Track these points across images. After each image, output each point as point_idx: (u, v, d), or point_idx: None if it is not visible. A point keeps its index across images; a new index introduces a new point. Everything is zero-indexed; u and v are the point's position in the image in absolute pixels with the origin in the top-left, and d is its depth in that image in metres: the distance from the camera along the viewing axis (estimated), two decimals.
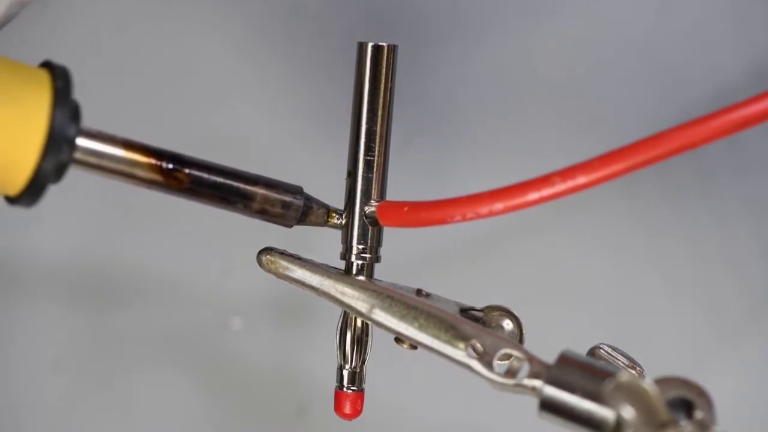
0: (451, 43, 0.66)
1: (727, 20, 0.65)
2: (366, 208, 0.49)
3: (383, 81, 0.48)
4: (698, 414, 0.41)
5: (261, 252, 0.48)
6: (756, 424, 0.67)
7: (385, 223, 0.48)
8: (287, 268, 0.48)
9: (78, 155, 0.43)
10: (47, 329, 0.67)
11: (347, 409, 0.50)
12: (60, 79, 0.42)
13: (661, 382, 0.42)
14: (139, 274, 0.67)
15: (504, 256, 0.67)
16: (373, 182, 0.49)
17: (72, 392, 0.68)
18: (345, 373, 0.50)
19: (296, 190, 0.48)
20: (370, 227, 0.49)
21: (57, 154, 0.42)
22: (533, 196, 0.42)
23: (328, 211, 0.49)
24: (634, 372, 0.47)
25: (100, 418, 0.68)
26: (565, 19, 0.65)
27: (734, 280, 0.67)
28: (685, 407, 0.42)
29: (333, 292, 0.48)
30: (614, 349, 0.48)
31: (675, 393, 0.42)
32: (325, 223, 0.49)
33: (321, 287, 0.48)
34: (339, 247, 0.49)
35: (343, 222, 0.49)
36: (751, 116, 0.41)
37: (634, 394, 0.40)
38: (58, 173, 0.43)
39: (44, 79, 0.42)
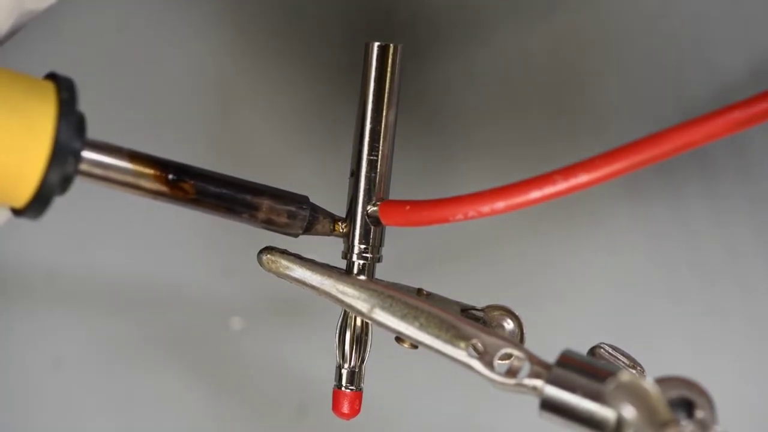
0: (451, 42, 0.66)
1: (727, 20, 0.65)
2: (368, 207, 0.49)
3: (388, 81, 0.48)
4: (699, 413, 0.41)
5: (262, 251, 0.48)
6: (756, 423, 0.67)
7: (387, 222, 0.48)
8: (288, 268, 0.48)
9: (83, 167, 0.43)
10: (47, 329, 0.67)
11: (345, 409, 0.50)
12: (65, 90, 0.42)
13: (662, 381, 0.42)
14: (140, 273, 0.67)
15: (505, 255, 0.67)
16: (376, 182, 0.49)
17: (72, 392, 0.67)
18: (344, 372, 0.50)
19: (302, 200, 0.48)
20: (372, 227, 0.49)
21: (62, 167, 0.42)
22: (535, 194, 0.42)
23: (334, 220, 0.49)
24: (634, 372, 0.47)
25: (100, 419, 0.68)
26: (565, 18, 0.65)
27: (734, 280, 0.66)
28: (686, 407, 0.42)
29: (333, 291, 0.48)
30: (615, 348, 0.48)
31: (676, 393, 0.42)
32: (330, 232, 0.49)
33: (321, 287, 0.48)
34: (340, 247, 0.49)
35: (347, 229, 0.49)
36: (753, 115, 0.41)
37: (634, 394, 0.40)
38: (64, 185, 0.43)
39: (49, 90, 0.42)
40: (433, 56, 0.66)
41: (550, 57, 0.66)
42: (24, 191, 0.42)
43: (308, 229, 0.48)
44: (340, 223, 0.49)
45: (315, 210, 0.48)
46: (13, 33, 0.46)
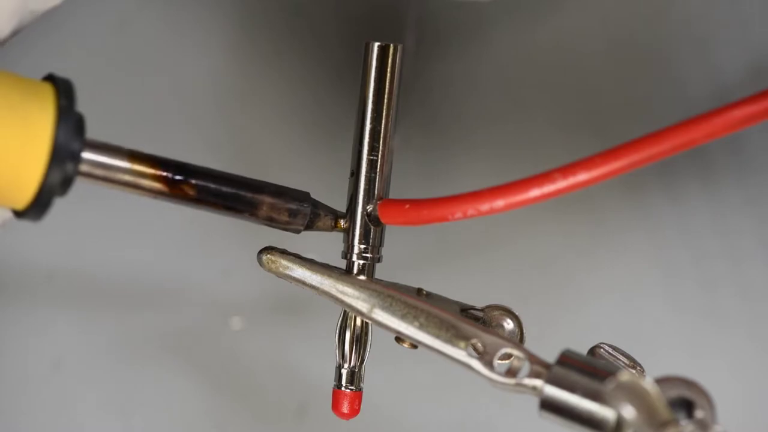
0: (450, 42, 0.66)
1: (727, 20, 0.65)
2: (368, 207, 0.49)
3: (388, 81, 0.48)
4: (699, 413, 0.41)
5: (261, 251, 0.48)
6: (756, 423, 0.67)
7: (387, 220, 0.48)
8: (288, 268, 0.48)
9: (83, 168, 0.43)
10: (47, 329, 0.67)
11: (345, 409, 0.50)
12: (63, 92, 0.42)
13: (662, 381, 0.42)
14: (139, 273, 0.67)
15: (504, 255, 0.67)
16: (376, 182, 0.49)
17: (72, 392, 0.67)
18: (343, 372, 0.50)
19: (303, 197, 0.48)
20: (372, 227, 0.49)
21: (62, 168, 0.42)
22: (534, 192, 0.42)
23: (336, 217, 0.49)
24: (634, 371, 0.47)
25: (100, 419, 0.68)
26: (565, 18, 0.65)
27: (734, 280, 0.66)
28: (686, 407, 0.42)
29: (333, 291, 0.48)
30: (615, 348, 0.48)
31: (675, 392, 0.42)
32: (332, 228, 0.49)
33: (321, 287, 0.48)
34: (340, 247, 0.49)
35: (347, 226, 0.49)
36: (753, 113, 0.41)
37: (634, 394, 0.40)
38: (64, 186, 0.43)
39: (47, 92, 0.42)
40: (434, 56, 0.66)
41: (550, 57, 0.66)
42: (24, 193, 0.42)
43: (310, 226, 0.48)
44: (341, 219, 0.49)
45: (316, 206, 0.48)
46: (15, 33, 0.46)
